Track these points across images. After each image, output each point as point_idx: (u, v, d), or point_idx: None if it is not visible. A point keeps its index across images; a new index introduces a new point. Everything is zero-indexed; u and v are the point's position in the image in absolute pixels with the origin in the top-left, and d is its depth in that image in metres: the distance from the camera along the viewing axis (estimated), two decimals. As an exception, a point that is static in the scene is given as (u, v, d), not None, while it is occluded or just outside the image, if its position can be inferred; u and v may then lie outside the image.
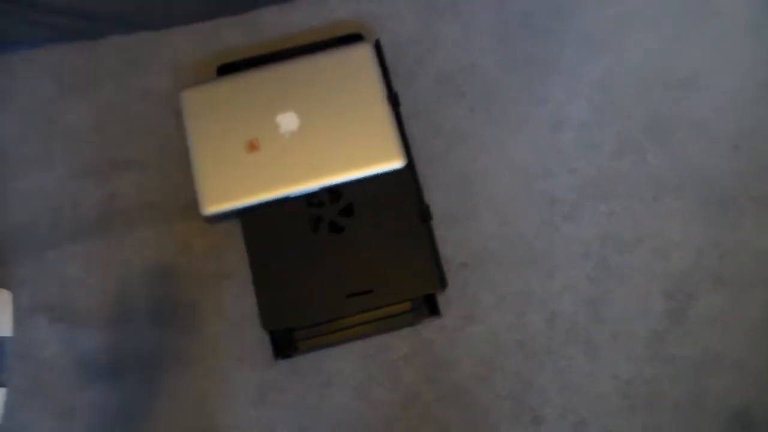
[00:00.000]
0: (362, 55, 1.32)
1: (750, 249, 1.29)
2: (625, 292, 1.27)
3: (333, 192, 1.27)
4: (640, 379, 1.24)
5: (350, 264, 1.25)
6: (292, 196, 1.27)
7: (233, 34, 1.39)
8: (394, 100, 1.31)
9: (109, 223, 1.31)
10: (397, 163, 1.27)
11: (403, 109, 1.31)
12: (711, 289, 1.27)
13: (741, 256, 1.29)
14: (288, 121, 1.28)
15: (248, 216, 1.27)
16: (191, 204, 1.26)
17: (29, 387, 1.26)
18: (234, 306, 1.27)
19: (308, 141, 1.27)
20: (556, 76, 1.36)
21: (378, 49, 1.34)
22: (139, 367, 1.26)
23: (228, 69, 1.35)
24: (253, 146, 1.27)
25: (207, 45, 1.38)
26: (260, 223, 1.27)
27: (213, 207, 1.25)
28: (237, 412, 1.24)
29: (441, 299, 1.26)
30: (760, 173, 1.31)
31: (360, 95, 1.30)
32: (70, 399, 1.25)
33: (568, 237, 1.29)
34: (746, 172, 1.32)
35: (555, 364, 1.25)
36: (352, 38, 1.36)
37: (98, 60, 1.38)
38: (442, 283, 1.24)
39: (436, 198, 1.29)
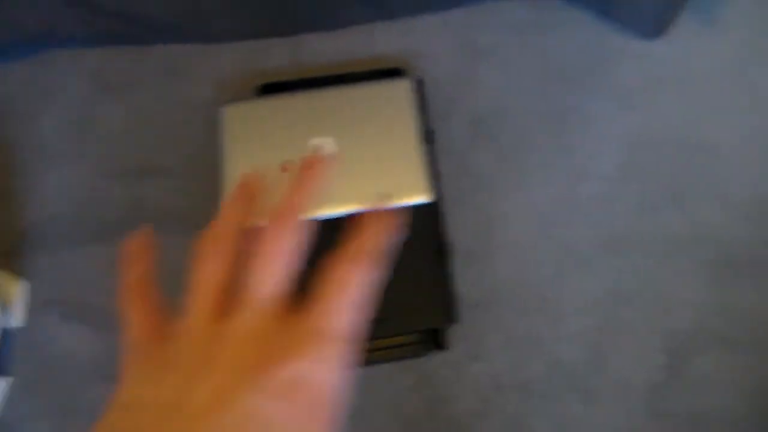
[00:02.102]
0: (402, 90, 1.35)
1: (755, 313, 1.32)
2: (628, 345, 1.30)
3: (357, 219, 1.31)
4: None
5: (367, 291, 1.29)
6: (320, 219, 1.30)
7: (277, 55, 1.43)
8: (429, 137, 1.34)
9: (132, 227, 1.32)
10: (424, 198, 1.29)
11: (436, 148, 1.35)
12: (713, 349, 1.30)
13: (745, 319, 1.32)
14: (323, 146, 1.31)
15: (272, 234, 1.30)
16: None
17: (33, 380, 1.28)
18: (249, 319, 1.30)
19: (341, 167, 1.29)
20: (585, 129, 1.40)
21: (419, 85, 1.37)
22: (147, 371, 1.29)
23: (269, 89, 1.39)
24: (287, 168, 1.31)
25: (249, 64, 1.42)
26: (284, 241, 1.30)
27: (240, 221, 1.29)
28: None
29: (449, 335, 1.28)
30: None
31: (396, 128, 1.32)
32: (72, 397, 1.27)
33: (579, 287, 1.33)
34: (758, 240, 1.35)
35: (553, 409, 1.28)
36: (394, 72, 1.40)
37: (140, 66, 1.42)
38: (453, 319, 1.26)
39: (456, 236, 1.32)
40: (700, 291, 1.33)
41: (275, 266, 0.91)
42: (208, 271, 0.94)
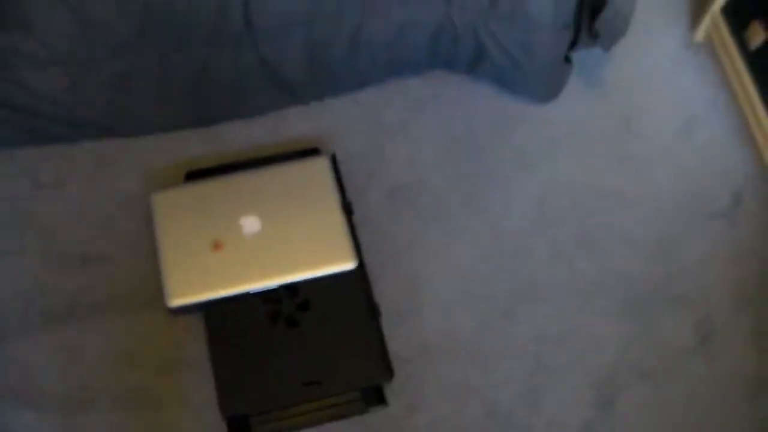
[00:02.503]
0: (319, 167, 1.45)
1: (667, 344, 1.41)
2: (556, 384, 1.37)
3: (291, 289, 1.36)
4: (573, 468, 1.36)
5: (305, 356, 1.33)
6: (253, 292, 1.36)
7: (200, 144, 1.52)
8: (347, 208, 1.43)
9: (77, 313, 1.39)
10: (349, 265, 1.38)
11: (356, 218, 1.43)
12: (635, 381, 1.38)
13: (660, 351, 1.41)
14: (251, 224, 1.38)
15: (211, 309, 1.35)
16: (157, 297, 1.35)
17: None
18: (193, 393, 1.34)
19: (269, 242, 1.38)
20: (495, 189, 1.51)
21: (334, 162, 1.47)
22: (99, 451, 1.33)
23: (195, 175, 1.47)
24: (217, 246, 1.37)
25: (175, 153, 1.50)
26: (222, 315, 1.35)
27: (178, 300, 1.34)
28: (192, 497, 1.32)
29: (388, 390, 1.34)
30: (675, 278, 1.45)
31: (317, 203, 1.42)
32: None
33: (506, 334, 1.40)
34: (663, 277, 1.45)
35: (493, 452, 1.36)
36: (310, 152, 1.49)
37: (73, 161, 1.49)
38: (389, 374, 1.33)
39: (384, 297, 1.40)
40: (617, 327, 1.42)
41: None
42: None
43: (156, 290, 1.36)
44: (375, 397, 1.34)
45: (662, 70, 1.63)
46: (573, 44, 1.49)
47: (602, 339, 1.41)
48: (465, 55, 1.53)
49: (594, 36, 1.45)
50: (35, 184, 1.47)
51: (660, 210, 1.51)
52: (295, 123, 1.55)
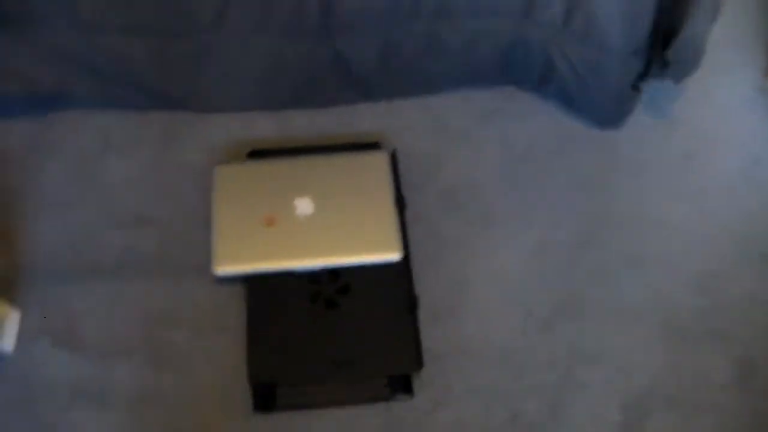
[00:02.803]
0: (378, 160, 1.49)
1: (703, 376, 1.39)
2: (584, 401, 1.36)
3: (334, 272, 1.39)
4: (590, 485, 1.34)
5: (338, 337, 1.36)
6: (297, 270, 1.39)
7: (266, 126, 1.57)
8: (401, 203, 1.46)
9: (124, 270, 1.44)
10: (394, 255, 1.40)
11: (408, 215, 1.46)
12: (665, 409, 1.36)
13: (694, 382, 1.38)
14: (304, 205, 1.42)
15: (254, 281, 1.39)
16: (203, 266, 1.39)
17: (18, 400, 1.34)
18: (225, 360, 1.36)
19: (319, 225, 1.41)
20: (547, 205, 1.52)
21: (393, 158, 1.51)
22: (125, 399, 1.34)
23: (258, 154, 1.52)
24: (270, 222, 1.41)
25: (241, 132, 1.56)
26: (264, 289, 1.39)
27: (225, 268, 1.38)
28: (208, 457, 1.34)
29: (416, 383, 1.35)
30: (718, 311, 1.43)
31: (371, 194, 1.45)
32: (53, 418, 1.33)
33: (539, 346, 1.40)
34: (706, 308, 1.44)
35: (513, 458, 1.35)
36: (371, 145, 1.53)
37: (143, 129, 1.56)
38: (419, 365, 1.34)
39: (425, 294, 1.41)
40: (653, 353, 1.40)
41: None
42: None
43: (204, 260, 1.40)
44: (402, 385, 1.35)
45: (731, 109, 1.64)
46: (644, 74, 1.50)
47: (637, 363, 1.40)
48: (534, 72, 1.56)
49: (664, 65, 1.46)
50: (105, 146, 1.54)
51: (712, 244, 1.50)
52: (362, 118, 1.59)
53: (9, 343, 1.37)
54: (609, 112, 1.58)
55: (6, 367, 1.37)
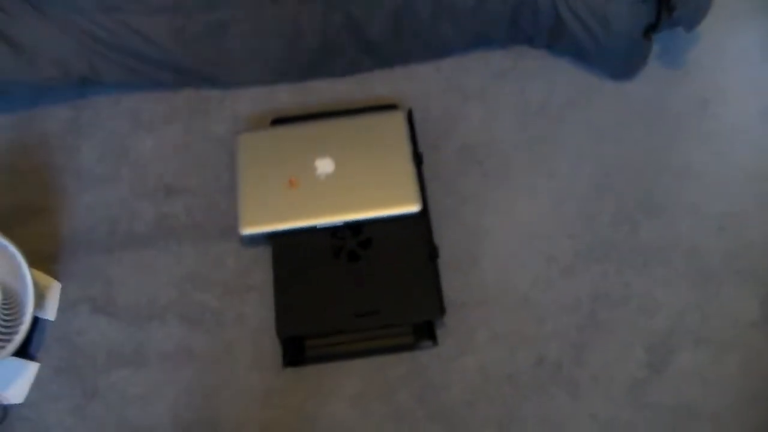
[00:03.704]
0: (395, 119, 1.52)
1: (730, 315, 1.39)
2: (609, 343, 1.38)
3: (355, 227, 1.44)
4: (617, 422, 1.33)
5: (362, 288, 1.40)
6: (320, 226, 1.44)
7: (288, 97, 1.62)
8: (418, 159, 1.50)
9: (157, 238, 1.50)
10: (413, 208, 1.43)
11: (426, 173, 1.50)
12: (691, 347, 1.37)
13: (721, 320, 1.39)
14: (325, 165, 1.46)
15: (278, 239, 1.44)
16: (231, 228, 1.45)
17: (61, 366, 1.41)
18: (254, 316, 1.42)
19: (340, 183, 1.46)
20: (564, 155, 1.54)
21: (410, 117, 1.54)
22: (160, 359, 1.40)
23: (280, 122, 1.57)
24: (292, 183, 1.46)
25: (264, 104, 1.61)
26: (288, 245, 1.43)
27: (250, 228, 1.43)
28: (241, 411, 1.36)
29: (439, 331, 1.38)
30: (742, 251, 1.43)
31: (389, 151, 1.49)
32: (95, 380, 1.39)
33: (561, 291, 1.42)
34: (729, 250, 1.44)
35: (538, 399, 1.35)
36: (388, 107, 1.57)
37: (171, 106, 1.62)
38: (441, 311, 1.37)
39: (445, 246, 1.44)
40: (676, 294, 1.41)
41: None
42: None
43: (230, 224, 1.46)
44: (426, 333, 1.38)
45: (746, 56, 1.63)
46: (655, 25, 1.52)
47: (660, 304, 1.41)
48: (544, 29, 1.57)
49: (672, 10, 1.47)
50: (135, 124, 1.61)
51: (731, 186, 1.50)
52: (379, 84, 1.63)
53: (51, 313, 1.45)
54: (622, 64, 1.59)
55: (49, 334, 1.44)
